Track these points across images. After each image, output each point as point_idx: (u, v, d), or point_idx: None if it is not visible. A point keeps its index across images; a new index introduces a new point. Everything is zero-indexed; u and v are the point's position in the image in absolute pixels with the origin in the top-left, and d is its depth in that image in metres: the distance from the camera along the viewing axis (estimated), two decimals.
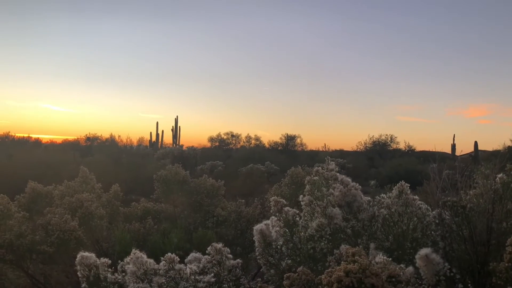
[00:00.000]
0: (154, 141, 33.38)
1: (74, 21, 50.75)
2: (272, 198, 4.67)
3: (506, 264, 3.03)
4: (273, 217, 4.62)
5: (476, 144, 28.54)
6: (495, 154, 21.32)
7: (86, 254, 3.54)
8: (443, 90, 53.64)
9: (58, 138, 36.98)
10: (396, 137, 36.88)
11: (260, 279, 5.23)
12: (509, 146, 25.15)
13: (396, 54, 54.35)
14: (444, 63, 53.68)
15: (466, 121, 49.95)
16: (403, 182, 4.46)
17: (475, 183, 4.82)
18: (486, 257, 4.05)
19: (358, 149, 37.15)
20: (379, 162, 29.54)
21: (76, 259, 3.53)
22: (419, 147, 36.67)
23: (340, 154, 31.42)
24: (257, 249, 4.69)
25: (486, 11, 48.88)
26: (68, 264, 5.61)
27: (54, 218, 5.82)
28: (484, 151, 28.25)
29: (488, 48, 50.08)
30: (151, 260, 3.63)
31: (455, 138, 30.98)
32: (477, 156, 26.95)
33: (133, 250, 3.62)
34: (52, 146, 31.94)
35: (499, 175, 4.56)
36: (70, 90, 57.24)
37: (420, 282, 3.22)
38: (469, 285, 3.51)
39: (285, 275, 3.17)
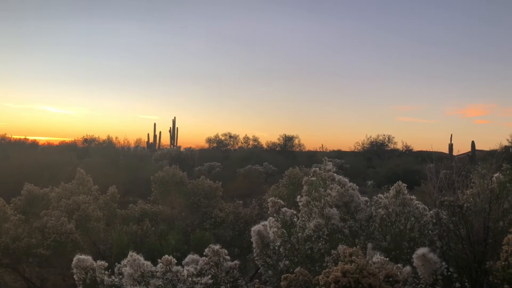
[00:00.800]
0: (151, 143, 33.32)
1: (72, 23, 50.72)
2: (270, 199, 4.65)
3: (503, 263, 3.03)
4: (270, 218, 4.62)
5: (473, 144, 28.61)
6: (492, 153, 21.38)
7: (83, 256, 3.52)
8: (441, 91, 53.89)
9: (55, 140, 36.91)
10: (393, 137, 37.05)
11: (257, 280, 5.22)
12: (506, 145, 25.27)
13: (394, 55, 54.58)
14: (442, 63, 53.97)
15: (463, 121, 50.17)
16: (400, 182, 4.47)
17: (472, 183, 4.83)
18: (483, 256, 4.05)
19: (356, 150, 37.27)
20: (377, 162, 29.61)
21: (73, 262, 3.51)
22: (417, 147, 36.83)
23: (338, 155, 31.46)
24: (255, 250, 4.67)
25: (484, 12, 49.09)
26: (65, 267, 5.58)
27: (50, 221, 5.80)
28: (481, 151, 28.34)
29: (486, 49, 50.38)
30: (148, 262, 3.61)
31: (452, 138, 31.01)
32: (474, 155, 27.02)
33: (130, 252, 3.60)
34: (49, 148, 31.83)
35: (496, 175, 4.58)
36: (67, 92, 57.06)
37: (417, 282, 3.23)
38: (466, 283, 3.51)
39: (282, 276, 3.16)
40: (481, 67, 51.63)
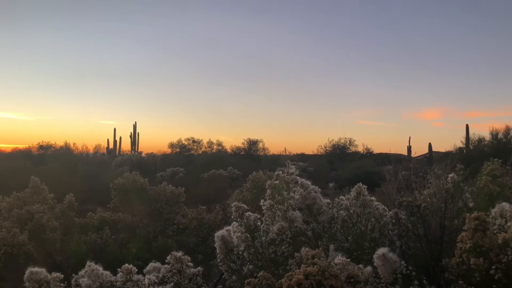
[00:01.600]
0: (111, 148, 32.45)
1: (23, 26, 48.55)
2: (233, 203, 4.62)
3: (457, 260, 3.14)
4: (234, 222, 4.58)
5: (430, 145, 29.69)
6: (447, 155, 22.28)
7: (36, 269, 3.35)
8: (399, 95, 55.77)
9: (7, 147, 35.03)
10: (354, 140, 37.92)
11: (221, 286, 5.17)
12: (460, 147, 26.42)
13: (354, 60, 55.95)
14: (398, 68, 55.89)
15: (420, 124, 51.98)
16: (360, 184, 4.56)
17: (429, 183, 5.01)
18: (440, 254, 4.19)
19: (319, 153, 37.84)
20: (339, 165, 30.19)
21: (25, 275, 3.33)
22: (377, 149, 37.78)
23: (301, 158, 31.85)
24: (218, 255, 4.63)
25: (436, 17, 51.40)
26: (17, 280, 5.29)
27: (1, 232, 5.49)
28: (438, 152, 29.38)
29: (440, 54, 52.67)
30: (108, 272, 3.50)
31: (410, 140, 32.07)
32: (432, 157, 28.03)
33: (88, 262, 3.48)
34: (0, 156, 30.26)
35: (451, 175, 4.76)
36: (19, 97, 54.29)
37: (378, 281, 3.28)
38: (424, 281, 3.61)
39: (246, 281, 3.13)
40: (435, 72, 54.01)
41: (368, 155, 36.38)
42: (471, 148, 25.99)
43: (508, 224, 2.94)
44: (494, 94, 48.30)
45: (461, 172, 4.78)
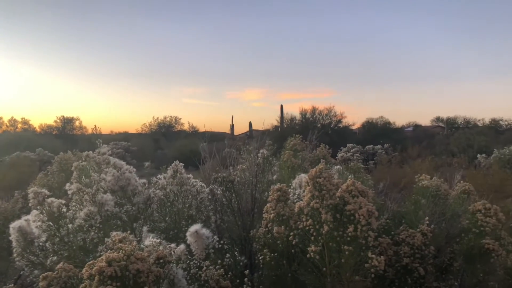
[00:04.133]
0: None
1: None
2: (31, 189, 4.05)
3: (264, 229, 3.38)
4: (34, 211, 4.04)
5: (250, 124, 32.09)
6: (265, 132, 24.39)
7: None
8: (222, 75, 58.31)
9: None
10: (180, 119, 38.15)
11: (13, 284, 4.55)
12: (276, 125, 29.33)
13: (190, 40, 55.89)
14: (226, 47, 58.42)
15: (242, 104, 55.56)
16: (177, 162, 4.52)
17: (243, 159, 5.31)
18: (251, 225, 4.50)
19: (143, 131, 36.78)
20: (165, 143, 29.90)
21: None
22: (203, 128, 38.84)
23: (124, 137, 30.35)
24: (15, 249, 4.03)
25: (255, 13, 55.23)
26: None
27: None
28: (257, 131, 31.92)
29: (260, 40, 56.97)
30: None
31: (233, 119, 33.99)
32: (252, 135, 30.30)
33: None
34: None
35: (262, 151, 5.13)
36: None
37: (191, 258, 3.29)
38: (236, 253, 3.80)
39: (41, 276, 2.73)
40: (256, 54, 58.39)
41: (194, 133, 37.11)
42: (285, 126, 29.15)
43: (304, 193, 3.28)
44: (303, 77, 55.15)
45: (269, 148, 5.20)
